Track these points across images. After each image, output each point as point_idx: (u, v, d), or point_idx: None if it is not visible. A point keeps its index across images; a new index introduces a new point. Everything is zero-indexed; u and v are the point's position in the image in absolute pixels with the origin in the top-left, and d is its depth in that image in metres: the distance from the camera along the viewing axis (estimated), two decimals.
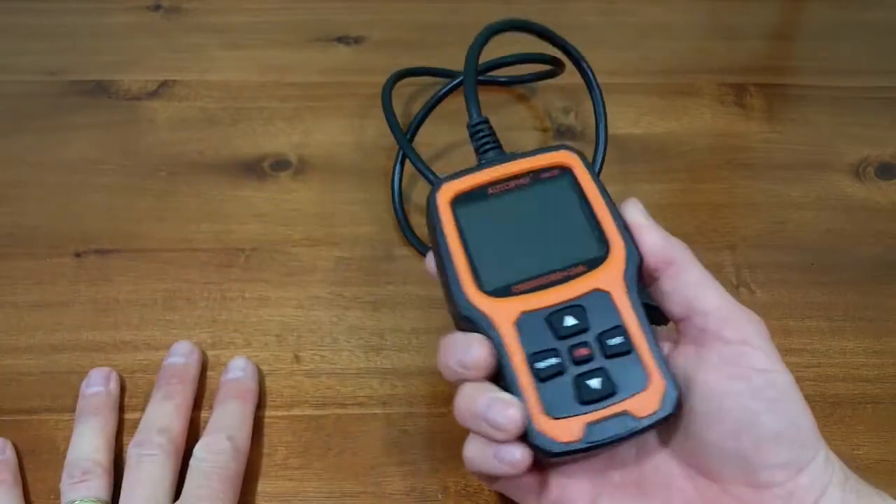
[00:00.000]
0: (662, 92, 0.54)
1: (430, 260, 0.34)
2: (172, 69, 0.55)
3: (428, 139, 0.50)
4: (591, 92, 0.46)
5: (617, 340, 0.31)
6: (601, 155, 0.46)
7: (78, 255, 0.46)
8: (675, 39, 0.58)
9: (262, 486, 0.38)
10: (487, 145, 0.36)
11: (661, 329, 0.34)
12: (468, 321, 0.32)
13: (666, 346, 0.33)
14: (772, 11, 0.60)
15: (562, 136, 0.52)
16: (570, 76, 0.49)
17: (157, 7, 0.59)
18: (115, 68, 0.55)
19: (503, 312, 0.31)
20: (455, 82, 0.50)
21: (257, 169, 0.50)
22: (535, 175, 0.34)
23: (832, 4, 0.60)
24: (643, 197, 0.49)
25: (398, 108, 0.50)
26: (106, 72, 0.55)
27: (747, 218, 0.48)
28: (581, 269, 0.32)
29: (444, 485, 0.38)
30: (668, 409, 0.30)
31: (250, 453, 0.38)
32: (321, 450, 0.39)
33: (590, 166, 0.34)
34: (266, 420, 0.40)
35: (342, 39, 0.57)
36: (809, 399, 0.34)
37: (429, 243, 0.38)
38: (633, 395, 0.30)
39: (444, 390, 0.41)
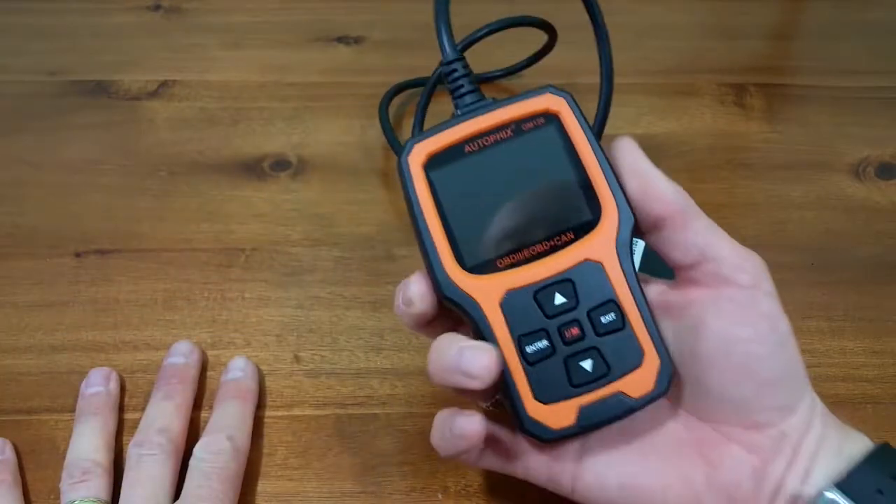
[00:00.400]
0: (662, 92, 0.54)
1: None
2: (172, 69, 0.55)
3: None
4: (593, 21, 0.39)
5: (609, 317, 0.30)
6: (605, 92, 0.40)
7: (78, 255, 0.46)
8: (675, 39, 0.58)
9: (262, 486, 0.38)
10: (462, 89, 0.32)
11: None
12: (451, 302, 0.30)
13: (658, 289, 0.32)
14: (772, 11, 0.60)
15: None
16: (570, 76, 0.49)
17: (157, 7, 0.60)
18: (115, 68, 0.55)
19: (488, 291, 0.30)
20: (437, 73, 0.49)
21: (257, 169, 0.50)
22: (518, 126, 0.31)
23: (832, 4, 0.60)
24: None
25: (394, 111, 0.50)
26: (106, 72, 0.55)
27: (747, 218, 0.48)
28: (570, 236, 0.30)
29: (444, 485, 0.38)
30: (663, 388, 0.30)
31: (250, 453, 0.38)
32: (321, 450, 0.39)
33: (579, 110, 0.31)
34: (266, 420, 0.40)
35: (342, 39, 0.57)
36: None
37: None
38: (626, 374, 0.29)
39: (444, 390, 0.41)
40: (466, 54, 0.49)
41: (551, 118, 0.31)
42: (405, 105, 0.53)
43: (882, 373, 0.42)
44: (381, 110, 0.50)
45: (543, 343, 0.30)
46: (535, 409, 0.29)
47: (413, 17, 0.58)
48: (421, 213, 0.30)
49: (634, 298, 0.30)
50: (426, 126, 0.49)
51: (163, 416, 0.38)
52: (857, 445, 0.31)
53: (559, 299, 0.30)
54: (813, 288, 0.45)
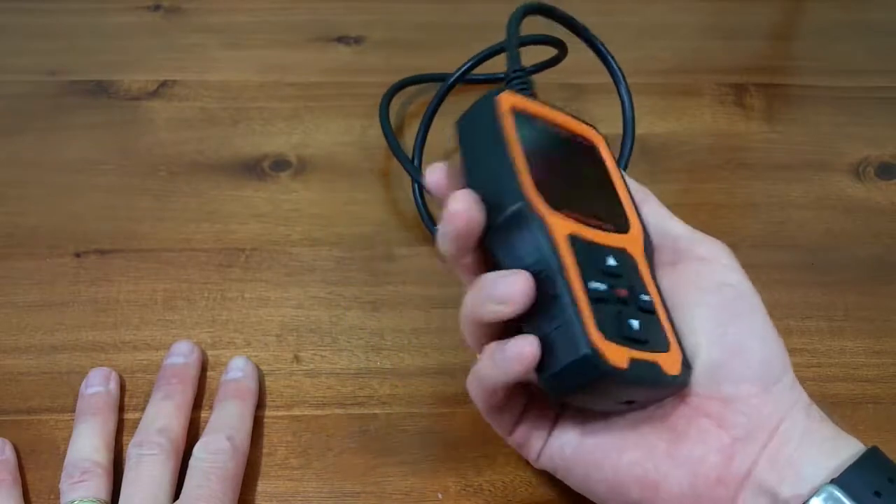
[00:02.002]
0: (662, 92, 0.54)
1: (433, 173, 0.30)
2: (172, 69, 0.55)
3: (431, 140, 0.50)
4: (617, 87, 0.43)
5: (647, 298, 0.31)
6: (628, 149, 0.44)
7: (78, 255, 0.46)
8: (675, 39, 0.58)
9: (262, 486, 0.38)
10: (527, 92, 0.34)
11: None
12: (515, 218, 0.29)
13: None
14: (772, 11, 0.60)
15: None
16: (573, 75, 0.49)
17: (157, 7, 0.60)
18: (115, 68, 0.55)
19: (557, 223, 0.29)
20: (449, 84, 0.49)
21: (257, 169, 0.50)
22: (574, 134, 0.34)
23: (832, 4, 0.60)
24: None
25: (396, 111, 0.50)
26: (106, 72, 0.55)
27: (747, 218, 0.48)
28: (613, 227, 0.32)
29: (444, 485, 0.38)
30: (686, 378, 0.30)
31: (250, 453, 0.38)
32: (321, 450, 0.39)
33: (610, 150, 0.35)
34: (266, 420, 0.40)
35: (342, 39, 0.57)
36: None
37: None
38: (661, 353, 0.30)
39: (444, 390, 0.41)
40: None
41: (592, 145, 0.35)
42: (406, 105, 0.53)
43: (882, 373, 0.42)
44: (381, 108, 0.50)
45: (604, 286, 0.29)
46: (597, 338, 0.28)
47: (413, 17, 0.58)
48: (504, 139, 0.30)
49: (661, 297, 0.32)
50: (427, 131, 0.49)
51: (163, 416, 0.38)
52: (848, 446, 0.30)
53: (611, 262, 0.30)
54: (813, 288, 0.45)
